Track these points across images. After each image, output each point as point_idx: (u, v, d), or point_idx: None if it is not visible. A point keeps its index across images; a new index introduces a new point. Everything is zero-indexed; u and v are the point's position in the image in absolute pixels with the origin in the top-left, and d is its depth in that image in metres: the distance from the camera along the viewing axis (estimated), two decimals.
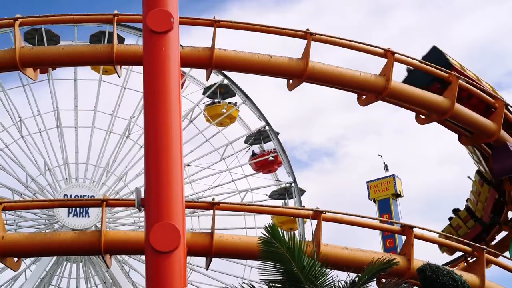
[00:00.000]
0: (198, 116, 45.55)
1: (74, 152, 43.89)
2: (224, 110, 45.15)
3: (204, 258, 23.92)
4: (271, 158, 44.98)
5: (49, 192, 42.33)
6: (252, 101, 44.84)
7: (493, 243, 34.25)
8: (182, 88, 45.86)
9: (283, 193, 44.89)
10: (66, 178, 43.16)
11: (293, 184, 44.59)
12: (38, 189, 42.69)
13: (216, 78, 44.93)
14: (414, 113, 27.95)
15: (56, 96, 44.48)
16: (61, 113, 44.73)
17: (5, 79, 45.25)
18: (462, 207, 35.25)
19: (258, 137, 45.65)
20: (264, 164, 45.26)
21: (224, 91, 45.43)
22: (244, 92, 44.90)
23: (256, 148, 46.48)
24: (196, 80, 46.40)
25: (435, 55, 29.20)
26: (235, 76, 44.36)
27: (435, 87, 27.74)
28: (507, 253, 31.62)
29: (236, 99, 45.57)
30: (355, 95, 26.62)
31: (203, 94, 45.73)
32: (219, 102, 45.41)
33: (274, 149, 45.11)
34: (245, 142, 46.05)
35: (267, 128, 45.08)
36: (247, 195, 44.34)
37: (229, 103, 45.68)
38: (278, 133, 45.76)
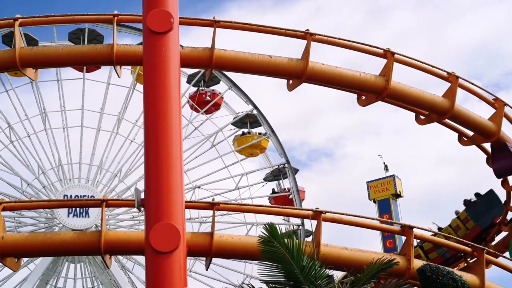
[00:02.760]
0: (222, 142, 45.67)
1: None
2: (255, 139, 45.25)
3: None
4: (291, 196, 44.90)
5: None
6: (276, 136, 45.09)
7: (493, 243, 34.24)
8: (218, 109, 46.14)
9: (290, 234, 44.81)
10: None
11: (300, 227, 44.44)
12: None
13: (245, 107, 45.32)
14: (413, 114, 27.95)
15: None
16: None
17: None
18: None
19: (278, 173, 45.73)
20: (285, 202, 44.99)
21: (253, 120, 45.53)
22: (270, 126, 45.19)
23: (273, 184, 46.58)
24: (227, 106, 46.59)
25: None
26: (261, 104, 45.17)
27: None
28: (507, 254, 31.60)
29: (261, 130, 45.81)
30: (354, 96, 26.60)
31: (232, 122, 45.95)
32: (249, 133, 45.57)
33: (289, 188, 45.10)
34: (265, 179, 46.09)
35: (286, 166, 45.18)
36: (252, 228, 43.93)
37: (259, 133, 45.72)
38: (297, 170, 46.16)
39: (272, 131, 44.98)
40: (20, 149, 44.08)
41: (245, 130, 45.69)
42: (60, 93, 44.47)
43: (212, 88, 45.64)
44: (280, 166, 45.34)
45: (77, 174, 43.30)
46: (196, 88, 45.09)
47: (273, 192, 46.03)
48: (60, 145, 43.97)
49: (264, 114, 44.96)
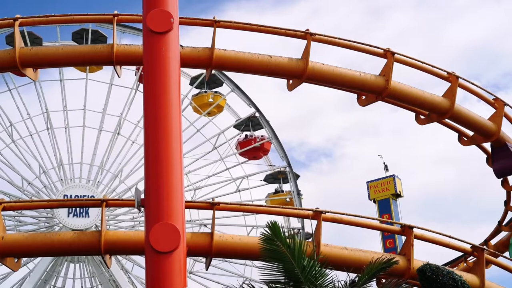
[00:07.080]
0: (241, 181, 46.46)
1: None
2: (288, 198, 45.86)
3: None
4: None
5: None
6: (300, 197, 45.74)
7: (493, 243, 34.23)
8: (266, 154, 46.97)
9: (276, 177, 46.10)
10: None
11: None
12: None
13: (280, 162, 46.34)
14: (413, 114, 27.95)
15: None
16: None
17: None
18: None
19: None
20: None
21: (284, 177, 46.29)
22: (297, 185, 45.91)
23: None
24: (268, 159, 47.40)
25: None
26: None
27: None
28: (507, 253, 31.60)
29: (287, 187, 46.53)
30: (353, 96, 26.61)
31: (264, 181, 46.63)
32: (282, 191, 46.38)
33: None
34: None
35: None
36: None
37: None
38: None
39: (298, 193, 45.80)
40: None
41: (277, 188, 46.31)
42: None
43: (260, 134, 46.39)
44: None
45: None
46: (244, 134, 46.22)
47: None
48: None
49: (294, 171, 45.97)
